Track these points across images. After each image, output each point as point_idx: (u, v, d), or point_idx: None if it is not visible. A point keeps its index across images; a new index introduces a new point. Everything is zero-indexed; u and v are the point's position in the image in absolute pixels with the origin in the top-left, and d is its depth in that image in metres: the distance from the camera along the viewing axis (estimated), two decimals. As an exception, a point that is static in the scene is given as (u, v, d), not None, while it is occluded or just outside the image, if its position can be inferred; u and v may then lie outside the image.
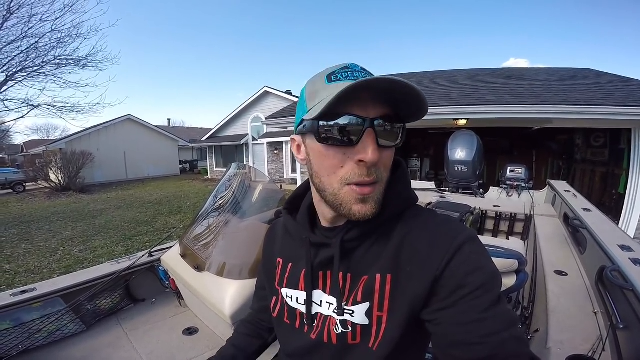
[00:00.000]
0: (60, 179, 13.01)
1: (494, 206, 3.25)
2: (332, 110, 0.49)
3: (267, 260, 0.75)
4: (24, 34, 7.98)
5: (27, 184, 14.29)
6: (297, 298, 0.63)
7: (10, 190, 14.21)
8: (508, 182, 4.34)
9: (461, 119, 5.43)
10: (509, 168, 4.53)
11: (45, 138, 35.56)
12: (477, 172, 4.29)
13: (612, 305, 1.10)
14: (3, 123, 12.46)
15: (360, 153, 0.49)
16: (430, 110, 6.05)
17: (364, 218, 0.52)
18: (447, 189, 4.48)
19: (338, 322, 0.57)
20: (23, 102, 8.78)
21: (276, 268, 0.69)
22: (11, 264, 5.04)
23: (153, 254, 2.19)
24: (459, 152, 4.30)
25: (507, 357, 0.42)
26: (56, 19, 8.24)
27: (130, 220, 7.86)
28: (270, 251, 0.74)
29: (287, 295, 0.65)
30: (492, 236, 2.98)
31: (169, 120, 43.81)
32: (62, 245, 5.98)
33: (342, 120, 0.49)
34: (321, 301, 0.60)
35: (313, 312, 0.62)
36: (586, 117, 4.69)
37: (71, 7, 8.34)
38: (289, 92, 14.96)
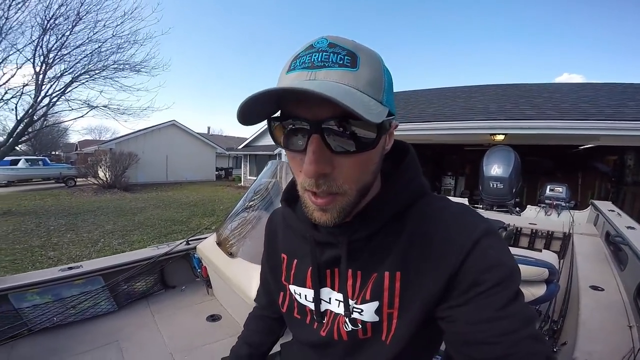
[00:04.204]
0: (107, 176, 13.91)
1: (530, 223, 3.14)
2: (282, 110, 0.45)
3: (270, 254, 0.71)
4: (89, 39, 8.83)
5: (78, 179, 15.41)
6: (306, 295, 0.62)
7: (63, 184, 15.43)
8: (547, 201, 4.14)
9: (498, 134, 5.26)
10: (548, 187, 4.34)
11: (97, 138, 38.37)
12: (514, 190, 4.14)
13: None
14: (63, 122, 13.59)
15: (305, 162, 0.43)
16: (466, 124, 5.96)
17: (326, 225, 0.47)
18: (480, 206, 4.35)
19: (347, 320, 0.56)
20: (83, 103, 9.61)
21: (281, 264, 0.66)
22: (55, 251, 5.45)
23: (190, 242, 2.33)
24: (495, 168, 4.18)
25: (523, 357, 0.41)
26: (117, 25, 9.05)
27: (166, 219, 8.25)
28: (273, 245, 0.71)
29: (295, 292, 0.64)
30: None
31: (208, 128, 45.64)
32: (103, 237, 6.39)
33: (288, 123, 0.44)
34: (330, 298, 0.59)
35: (322, 309, 0.60)
36: (636, 134, 4.39)
37: (131, 14, 9.12)
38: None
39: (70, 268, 1.95)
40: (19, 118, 8.33)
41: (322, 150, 0.41)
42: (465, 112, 6.16)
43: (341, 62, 0.41)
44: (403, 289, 0.50)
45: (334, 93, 0.35)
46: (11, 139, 8.44)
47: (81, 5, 8.22)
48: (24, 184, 15.71)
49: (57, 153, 36.57)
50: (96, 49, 9.04)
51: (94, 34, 8.81)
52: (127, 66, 9.81)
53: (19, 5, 7.48)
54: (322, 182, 0.43)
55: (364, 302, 0.53)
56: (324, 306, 0.60)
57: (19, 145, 10.72)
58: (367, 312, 0.53)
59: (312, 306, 0.61)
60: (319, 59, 0.41)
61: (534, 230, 3.04)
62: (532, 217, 3.83)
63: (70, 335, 1.78)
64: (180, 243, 2.32)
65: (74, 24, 8.33)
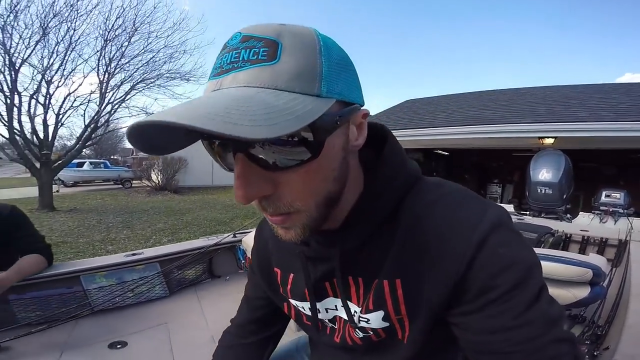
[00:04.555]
0: (159, 179, 14.94)
1: (582, 230, 2.96)
2: None
3: (262, 267, 0.65)
4: (144, 49, 9.73)
5: (134, 181, 16.75)
6: (309, 308, 0.58)
7: (120, 186, 16.82)
8: (602, 208, 3.86)
9: (547, 137, 4.99)
10: (604, 193, 4.05)
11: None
12: (565, 196, 3.89)
13: None
14: (123, 127, 14.87)
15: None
16: (511, 127, 5.72)
17: (293, 242, 0.42)
18: (527, 213, 4.14)
19: (356, 329, 0.53)
20: (141, 110, 10.55)
21: (275, 278, 0.62)
22: (113, 245, 5.95)
23: (236, 235, 2.53)
24: (544, 173, 3.96)
25: None
26: (167, 36, 9.87)
27: (211, 219, 8.70)
28: (264, 258, 0.65)
29: (297, 306, 0.60)
30: None
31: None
32: (155, 234, 6.88)
33: (211, 140, 0.37)
34: (336, 306, 0.55)
35: (332, 316, 0.58)
36: None
37: (179, 24, 9.93)
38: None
39: (134, 254, 2.19)
40: (86, 123, 9.27)
41: (250, 169, 0.34)
42: (510, 114, 5.92)
43: (255, 57, 0.33)
44: (406, 295, 0.46)
45: (217, 107, 0.28)
46: (79, 143, 9.39)
47: (135, 17, 9.10)
48: (87, 184, 17.34)
49: (115, 157, 39.74)
50: (151, 58, 9.91)
51: (148, 44, 9.69)
52: (177, 75, 10.62)
53: (83, 17, 8.48)
54: (266, 204, 0.37)
55: (368, 311, 0.50)
56: (332, 313, 0.57)
57: (84, 149, 11.86)
58: (374, 320, 0.50)
59: (318, 316, 0.58)
60: (228, 61, 0.35)
61: (585, 237, 2.86)
62: (584, 224, 3.59)
63: (125, 316, 1.97)
64: (228, 235, 2.54)
65: (130, 35, 9.21)
